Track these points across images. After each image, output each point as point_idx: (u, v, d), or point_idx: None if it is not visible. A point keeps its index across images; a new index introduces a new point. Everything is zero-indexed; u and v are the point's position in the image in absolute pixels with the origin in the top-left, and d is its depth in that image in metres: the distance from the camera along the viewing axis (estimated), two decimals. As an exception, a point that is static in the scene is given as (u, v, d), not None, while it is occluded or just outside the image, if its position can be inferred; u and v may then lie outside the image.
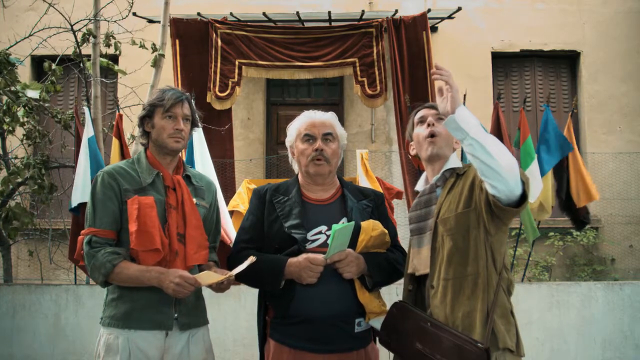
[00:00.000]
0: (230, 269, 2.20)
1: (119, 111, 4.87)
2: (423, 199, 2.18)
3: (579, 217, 5.23)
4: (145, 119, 2.30)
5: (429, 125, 2.16)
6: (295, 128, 2.38)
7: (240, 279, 2.27)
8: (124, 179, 2.22)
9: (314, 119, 2.36)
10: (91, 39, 5.23)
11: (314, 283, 2.14)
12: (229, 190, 6.39)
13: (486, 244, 1.97)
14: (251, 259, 2.10)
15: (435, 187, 2.15)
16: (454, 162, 2.16)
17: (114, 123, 4.74)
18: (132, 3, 5.62)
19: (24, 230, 5.56)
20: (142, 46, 5.50)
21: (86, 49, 5.54)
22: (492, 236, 1.98)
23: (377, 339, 2.21)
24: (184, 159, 4.51)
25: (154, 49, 5.47)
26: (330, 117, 2.39)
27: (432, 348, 1.92)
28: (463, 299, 1.95)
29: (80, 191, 4.43)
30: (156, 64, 5.47)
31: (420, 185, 2.26)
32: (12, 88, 5.01)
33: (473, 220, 1.98)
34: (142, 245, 2.11)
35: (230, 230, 4.36)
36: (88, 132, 4.64)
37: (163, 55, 5.45)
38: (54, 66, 5.23)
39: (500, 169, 1.79)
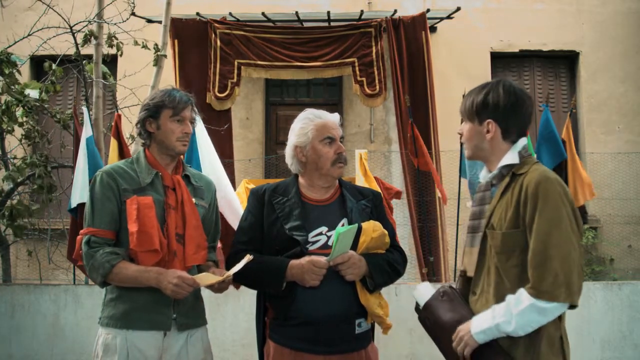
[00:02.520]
0: (229, 269, 2.20)
1: (117, 111, 4.87)
2: (479, 196, 1.97)
3: None
4: (149, 119, 2.27)
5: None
6: (311, 128, 2.30)
7: (241, 281, 2.27)
8: (123, 178, 2.21)
9: (330, 120, 2.33)
10: (93, 40, 5.22)
11: (317, 285, 2.13)
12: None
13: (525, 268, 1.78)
14: (248, 258, 2.09)
15: (490, 185, 1.93)
16: (510, 157, 1.87)
17: (113, 123, 4.73)
18: (134, 4, 5.62)
19: (26, 230, 5.56)
20: (145, 46, 5.49)
21: (86, 49, 5.53)
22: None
23: (415, 309, 2.04)
24: (184, 158, 4.49)
25: (157, 49, 5.46)
26: (338, 118, 2.39)
27: (472, 356, 1.79)
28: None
29: (79, 192, 4.42)
30: (158, 64, 5.46)
31: (482, 176, 2.00)
32: (13, 88, 5.01)
33: (519, 242, 1.77)
34: (140, 246, 2.10)
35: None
36: (87, 132, 4.63)
37: (165, 56, 5.44)
38: (54, 66, 5.22)
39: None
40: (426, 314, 1.95)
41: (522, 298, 1.70)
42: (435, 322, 1.92)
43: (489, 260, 1.85)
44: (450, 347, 1.84)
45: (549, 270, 1.67)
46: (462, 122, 2.00)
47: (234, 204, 4.26)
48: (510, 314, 1.71)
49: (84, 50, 5.52)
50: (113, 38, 5.43)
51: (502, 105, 1.87)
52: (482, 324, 1.76)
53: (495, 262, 1.82)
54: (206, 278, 2.12)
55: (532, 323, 1.70)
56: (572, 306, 1.71)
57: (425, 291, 1.98)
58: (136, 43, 5.48)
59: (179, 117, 2.25)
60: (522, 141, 1.92)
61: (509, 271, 1.79)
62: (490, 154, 1.92)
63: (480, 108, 1.90)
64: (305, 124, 2.33)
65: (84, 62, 5.40)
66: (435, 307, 1.92)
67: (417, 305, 2.01)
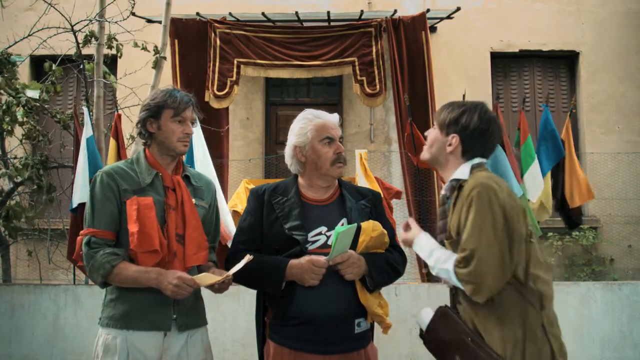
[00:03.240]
0: (228, 270, 2.20)
1: (117, 111, 4.87)
2: (440, 210, 2.07)
3: (572, 217, 5.25)
4: (149, 119, 2.26)
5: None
6: (310, 128, 2.31)
7: (241, 280, 2.27)
8: (123, 179, 2.21)
9: (330, 120, 2.34)
10: (93, 41, 5.21)
11: (316, 285, 2.13)
12: (228, 191, 6.40)
13: None
14: (248, 258, 2.09)
15: (445, 199, 2.03)
16: (461, 172, 1.99)
17: (113, 123, 4.74)
18: (134, 4, 5.61)
19: (25, 230, 5.56)
20: (144, 48, 5.49)
21: (86, 49, 5.53)
22: None
23: (420, 333, 2.08)
24: (184, 158, 4.51)
25: (156, 51, 5.45)
26: (337, 118, 2.39)
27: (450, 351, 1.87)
28: (485, 321, 1.85)
29: (79, 192, 4.43)
30: (157, 65, 5.46)
31: (443, 190, 2.11)
32: (12, 85, 5.01)
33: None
34: (140, 246, 2.10)
35: (232, 229, 4.36)
36: (87, 132, 4.64)
37: (164, 58, 5.43)
38: (54, 66, 5.22)
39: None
40: (429, 337, 1.99)
41: (449, 262, 1.87)
42: (437, 344, 1.97)
43: None
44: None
45: (469, 266, 1.80)
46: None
47: (222, 207, 4.32)
48: (437, 263, 1.93)
49: (84, 50, 5.52)
50: (113, 39, 5.43)
51: (471, 128, 1.99)
52: (421, 250, 2.02)
53: None
54: (206, 278, 2.12)
55: (445, 278, 1.92)
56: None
57: (426, 316, 2.01)
58: (136, 45, 5.47)
59: (180, 118, 2.25)
60: (478, 159, 2.02)
61: None
62: (444, 165, 2.06)
63: (452, 123, 2.02)
64: (305, 124, 2.33)
65: (84, 61, 5.39)
66: (435, 330, 1.97)
67: (421, 330, 2.05)
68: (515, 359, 1.79)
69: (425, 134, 2.13)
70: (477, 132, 1.99)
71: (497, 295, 1.83)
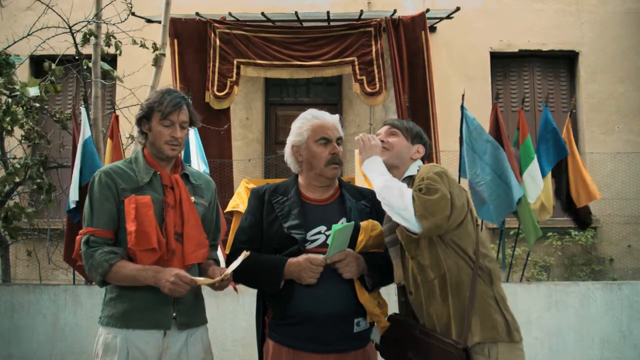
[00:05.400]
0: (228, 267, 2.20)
1: (115, 111, 4.87)
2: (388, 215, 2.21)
3: (581, 218, 5.23)
4: (143, 120, 2.28)
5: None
6: (306, 128, 2.33)
7: (240, 279, 2.27)
8: (122, 178, 2.22)
9: (328, 121, 2.34)
10: (92, 40, 5.21)
11: (314, 283, 2.14)
12: (228, 191, 6.40)
13: (445, 244, 2.05)
14: (245, 254, 2.09)
15: None
16: (413, 169, 2.27)
17: (110, 124, 4.74)
18: (132, 5, 5.61)
19: (25, 230, 5.56)
20: (143, 45, 5.48)
21: (86, 49, 5.53)
22: (450, 234, 2.05)
23: (379, 351, 2.27)
24: (182, 156, 4.51)
25: (155, 48, 5.45)
26: (338, 119, 2.39)
27: (421, 356, 2.01)
28: (435, 302, 2.05)
29: (73, 192, 4.45)
30: (157, 63, 5.46)
31: None
32: (10, 87, 5.01)
33: None
34: (138, 245, 2.11)
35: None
36: (85, 132, 4.64)
37: (164, 55, 5.43)
38: (53, 66, 5.22)
39: (392, 212, 2.05)
40: (384, 346, 2.20)
41: (407, 195, 2.02)
42: (392, 349, 2.17)
43: (408, 260, 2.13)
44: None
45: (431, 195, 2.00)
46: (378, 133, 2.39)
47: None
48: (391, 182, 2.09)
49: (84, 50, 5.52)
50: (111, 37, 5.42)
51: (425, 142, 2.39)
52: (373, 168, 2.18)
53: (410, 259, 2.11)
54: (205, 278, 2.13)
55: (389, 199, 2.05)
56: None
57: (377, 333, 2.23)
58: (134, 42, 5.47)
59: (167, 122, 2.24)
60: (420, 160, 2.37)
61: (421, 256, 2.07)
62: (404, 166, 2.30)
63: (417, 136, 2.36)
64: (302, 123, 2.35)
65: (84, 61, 5.39)
66: (388, 337, 2.18)
67: (376, 345, 2.25)
68: (465, 327, 1.94)
69: (381, 138, 2.33)
70: (427, 141, 2.42)
71: (449, 272, 2.03)
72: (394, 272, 2.24)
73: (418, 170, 2.23)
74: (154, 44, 5.47)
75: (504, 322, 2.00)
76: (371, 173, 2.17)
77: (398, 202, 2.01)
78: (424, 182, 2.04)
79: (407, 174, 2.27)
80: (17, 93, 4.97)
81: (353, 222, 2.17)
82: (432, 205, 1.97)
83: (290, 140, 2.37)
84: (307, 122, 2.34)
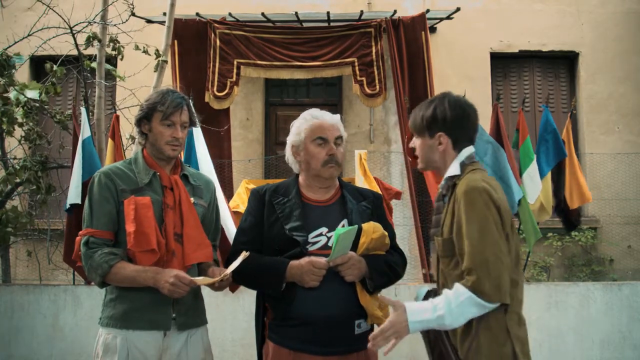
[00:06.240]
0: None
1: (115, 112, 4.87)
2: (436, 205, 2.08)
3: (571, 219, 5.25)
4: (143, 120, 2.28)
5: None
6: (304, 128, 2.32)
7: (241, 281, 2.27)
8: (121, 179, 2.22)
9: (326, 121, 2.33)
10: (95, 43, 5.20)
11: (316, 286, 2.13)
12: (228, 191, 6.39)
13: None
14: (244, 255, 2.09)
15: (442, 196, 2.04)
16: (453, 169, 2.01)
17: (111, 124, 4.74)
18: (133, 6, 5.60)
19: (22, 231, 5.55)
20: (145, 52, 5.46)
21: (86, 50, 5.52)
22: None
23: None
24: (183, 158, 4.51)
25: (158, 55, 5.44)
26: (338, 119, 2.38)
27: (430, 348, 1.95)
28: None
29: (73, 193, 4.45)
30: (158, 68, 5.43)
31: (440, 187, 2.12)
32: (10, 92, 5.00)
33: (457, 247, 1.88)
34: (138, 246, 2.11)
35: (232, 230, 4.35)
36: (84, 133, 4.64)
37: (166, 62, 5.40)
38: (55, 67, 5.21)
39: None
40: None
41: (460, 292, 1.79)
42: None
43: (440, 265, 1.98)
44: (441, 350, 1.90)
45: (483, 273, 1.77)
46: (411, 138, 2.12)
47: (223, 212, 4.31)
48: (450, 307, 1.79)
49: (85, 51, 5.51)
50: (115, 41, 5.41)
51: (449, 118, 1.99)
52: (421, 315, 1.82)
53: (441, 267, 1.96)
54: (204, 278, 2.13)
55: (467, 316, 1.80)
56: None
57: (422, 296, 2.04)
58: (137, 48, 5.45)
59: (168, 122, 2.24)
60: (467, 151, 2.02)
61: (450, 274, 1.91)
62: (442, 164, 2.04)
63: (431, 122, 2.01)
64: (301, 123, 2.35)
65: (84, 61, 5.38)
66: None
67: None
68: (473, 349, 1.81)
69: (410, 145, 2.13)
70: (457, 119, 1.99)
71: None
72: (430, 264, 2.12)
73: (460, 174, 1.96)
74: (157, 50, 5.44)
75: (511, 353, 1.86)
76: (427, 324, 1.84)
77: (468, 310, 1.79)
78: (469, 252, 1.80)
79: (447, 174, 2.01)
80: (11, 96, 4.96)
81: (356, 226, 2.16)
82: (494, 278, 1.76)
83: (290, 140, 2.37)
84: (305, 122, 2.34)
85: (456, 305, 1.78)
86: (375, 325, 2.32)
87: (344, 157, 2.40)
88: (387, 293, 2.41)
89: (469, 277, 1.79)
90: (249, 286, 2.34)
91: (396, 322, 1.83)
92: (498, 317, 1.84)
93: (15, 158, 5.74)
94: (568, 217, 5.25)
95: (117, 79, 5.84)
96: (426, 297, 1.98)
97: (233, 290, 4.34)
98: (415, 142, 2.08)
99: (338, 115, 2.41)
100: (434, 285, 2.10)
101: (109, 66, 5.48)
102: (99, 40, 5.20)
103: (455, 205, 1.89)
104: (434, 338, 1.93)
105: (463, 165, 1.98)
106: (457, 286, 1.80)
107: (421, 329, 1.85)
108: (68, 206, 4.46)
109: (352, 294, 2.19)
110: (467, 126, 2.02)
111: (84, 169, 4.49)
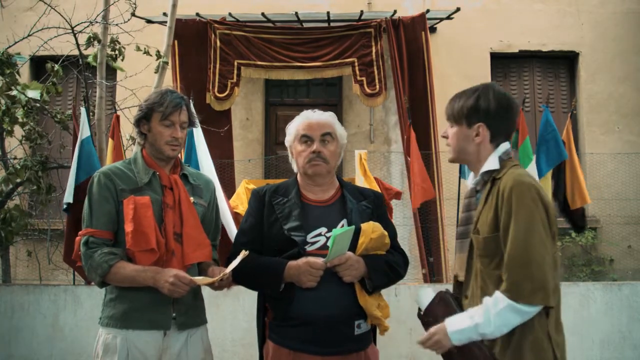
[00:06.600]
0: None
1: (115, 112, 4.87)
2: (465, 202, 2.00)
3: (575, 220, 5.24)
4: (142, 120, 2.29)
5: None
6: (293, 128, 2.36)
7: (241, 281, 2.27)
8: (120, 179, 2.22)
9: (311, 119, 2.34)
10: (96, 44, 5.20)
11: (314, 287, 2.13)
12: (228, 191, 6.39)
13: None
14: (243, 254, 2.09)
15: (475, 192, 1.96)
16: (491, 163, 1.90)
17: (111, 124, 4.75)
18: (135, 6, 5.59)
19: (22, 231, 5.55)
20: (147, 53, 5.46)
21: (87, 49, 5.52)
22: None
23: (417, 313, 2.05)
24: (183, 158, 4.52)
25: (158, 56, 5.43)
26: (328, 117, 2.37)
27: (463, 356, 1.81)
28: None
29: (67, 192, 4.47)
30: (159, 70, 5.43)
31: (469, 181, 2.03)
32: (13, 91, 5.00)
33: (499, 246, 1.79)
34: (137, 246, 2.11)
35: (233, 230, 4.36)
36: (84, 132, 4.65)
37: (167, 63, 5.39)
38: (56, 67, 5.21)
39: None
40: (427, 319, 1.96)
41: (499, 299, 1.73)
42: (433, 326, 1.92)
43: (475, 265, 1.88)
44: (449, 350, 1.84)
45: (525, 274, 1.71)
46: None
47: (224, 212, 4.32)
48: (488, 315, 1.74)
49: (85, 51, 5.51)
50: (116, 42, 5.41)
51: (493, 110, 1.90)
52: (460, 324, 1.79)
53: (479, 266, 1.86)
54: (204, 278, 2.13)
55: (508, 324, 1.73)
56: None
57: (427, 296, 1.99)
58: (138, 49, 5.45)
59: (167, 122, 2.25)
60: (504, 146, 1.94)
61: (490, 274, 1.82)
62: (475, 157, 1.95)
63: (472, 112, 1.92)
64: (293, 123, 2.38)
65: (85, 61, 5.38)
66: (434, 312, 1.94)
67: (419, 310, 2.03)
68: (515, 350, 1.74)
69: (443, 134, 2.04)
70: (500, 112, 1.91)
71: None
72: (455, 264, 2.04)
73: (500, 169, 1.87)
74: (158, 51, 5.44)
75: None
76: (468, 334, 1.78)
77: (508, 318, 1.72)
78: (511, 253, 1.73)
79: (484, 169, 1.91)
80: (15, 94, 4.97)
81: (353, 227, 2.15)
82: (540, 280, 1.70)
83: (285, 141, 2.42)
84: (295, 121, 2.38)
85: (495, 313, 1.73)
86: (376, 326, 2.32)
87: (339, 155, 2.38)
88: (387, 293, 2.41)
89: (506, 279, 1.73)
90: (249, 286, 2.34)
91: (436, 332, 1.82)
92: (541, 321, 1.77)
93: (15, 158, 5.74)
94: (572, 218, 5.24)
95: (118, 80, 5.84)
96: (440, 299, 1.93)
97: (229, 287, 4.33)
98: (450, 131, 1.98)
99: (330, 113, 2.40)
100: (436, 286, 2.08)
101: (114, 64, 5.47)
102: (99, 41, 5.20)
103: (499, 201, 1.80)
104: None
105: (502, 160, 1.90)
106: (497, 294, 1.74)
107: (463, 339, 1.78)
108: (65, 206, 4.48)
109: (351, 294, 2.18)
110: (508, 120, 1.94)
111: (81, 169, 4.50)
